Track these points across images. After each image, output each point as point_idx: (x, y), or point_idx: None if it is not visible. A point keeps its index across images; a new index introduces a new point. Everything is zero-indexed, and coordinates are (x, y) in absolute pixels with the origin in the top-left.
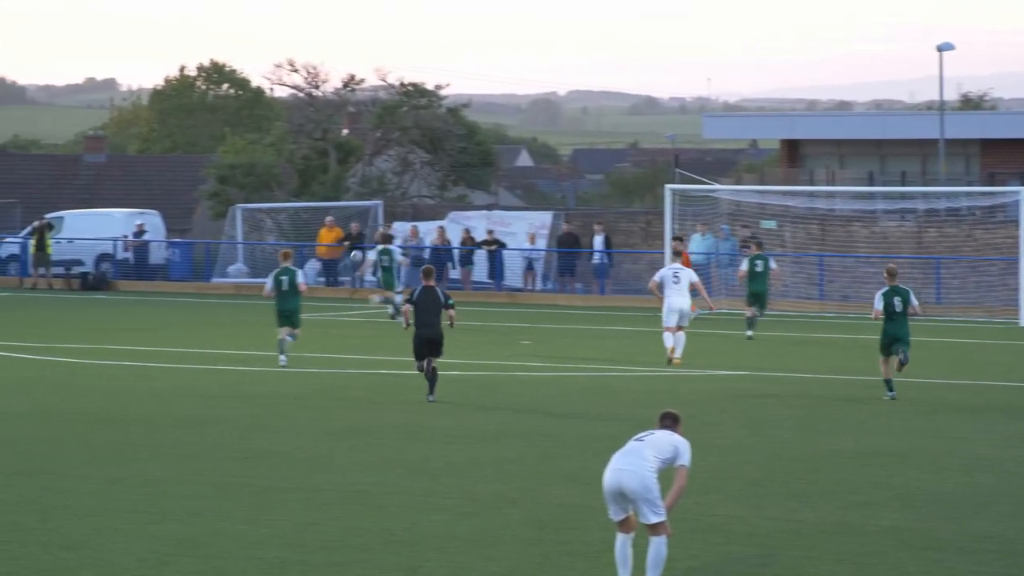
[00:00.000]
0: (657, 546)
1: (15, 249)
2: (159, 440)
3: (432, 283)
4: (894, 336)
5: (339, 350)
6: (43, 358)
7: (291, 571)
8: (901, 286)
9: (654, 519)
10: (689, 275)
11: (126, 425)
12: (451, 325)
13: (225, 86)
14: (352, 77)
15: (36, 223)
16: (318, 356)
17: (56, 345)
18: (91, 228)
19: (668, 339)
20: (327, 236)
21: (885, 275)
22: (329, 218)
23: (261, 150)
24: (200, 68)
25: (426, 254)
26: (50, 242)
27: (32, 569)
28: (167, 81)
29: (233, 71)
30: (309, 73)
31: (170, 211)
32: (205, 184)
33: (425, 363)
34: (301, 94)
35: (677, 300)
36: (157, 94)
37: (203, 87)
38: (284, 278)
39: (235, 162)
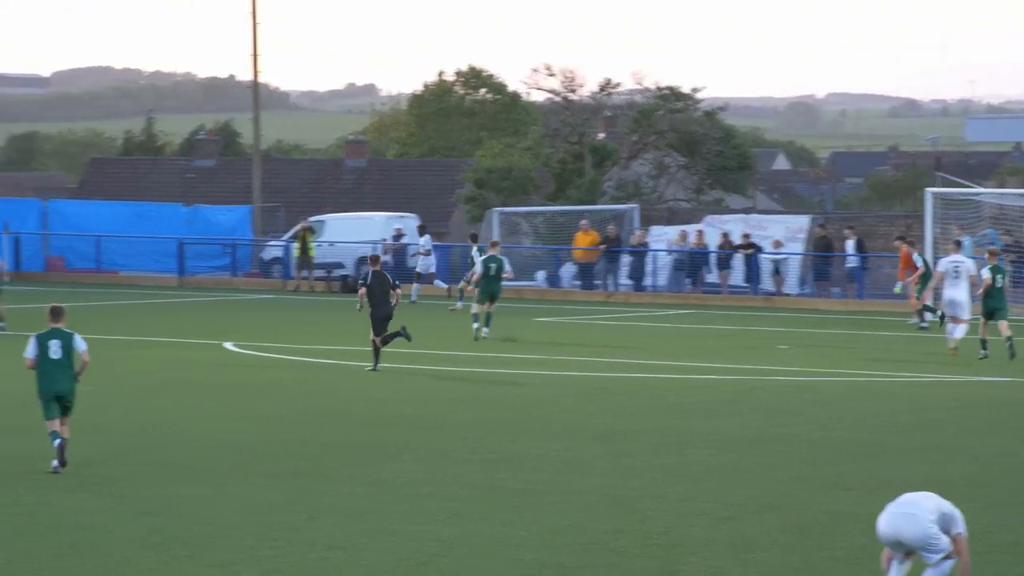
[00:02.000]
0: (939, 568)
1: (278, 252)
2: (419, 442)
3: (379, 267)
4: None
5: (594, 354)
6: (305, 360)
7: (549, 573)
8: None
9: (936, 558)
10: (968, 268)
11: (386, 427)
12: (395, 304)
13: (483, 91)
14: (608, 81)
15: (299, 226)
16: (574, 359)
17: (318, 347)
18: (352, 231)
19: (955, 331)
20: (583, 240)
21: None
22: (584, 221)
23: (518, 154)
24: (458, 73)
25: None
26: (312, 245)
27: (298, 567)
28: (426, 86)
29: (491, 76)
30: (566, 77)
31: (427, 214)
32: (462, 188)
33: (380, 339)
34: (558, 98)
35: (954, 293)
36: (416, 99)
37: (461, 92)
38: (493, 265)
39: (492, 166)
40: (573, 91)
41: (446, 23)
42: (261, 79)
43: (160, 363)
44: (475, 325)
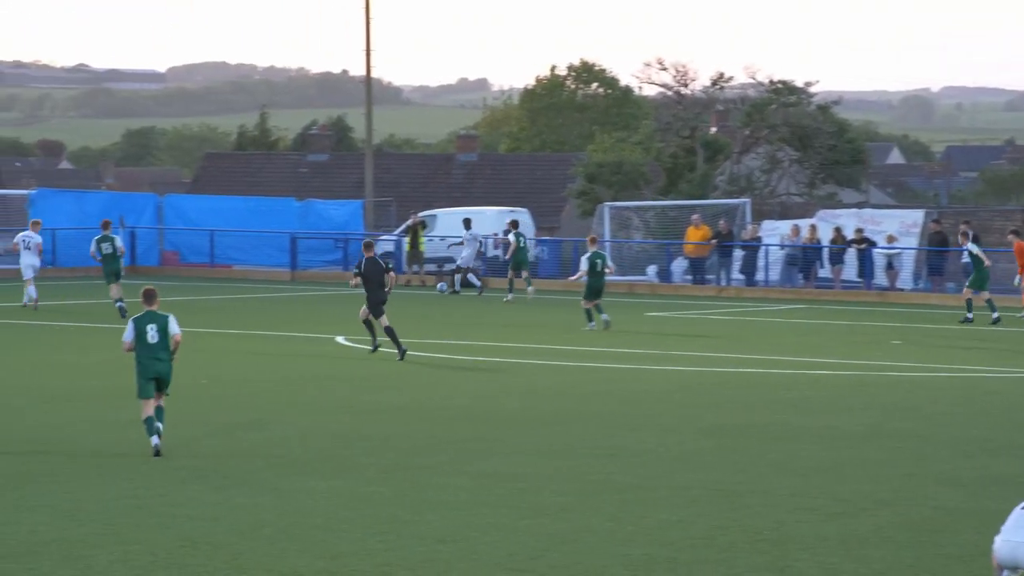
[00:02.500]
0: None
1: (390, 247)
2: (526, 436)
3: (372, 254)
4: None
5: (705, 348)
6: (417, 354)
7: (658, 568)
8: None
9: None
10: None
11: (495, 421)
12: (389, 290)
13: (594, 85)
14: (721, 75)
15: (410, 221)
16: (684, 354)
17: (429, 341)
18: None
19: None
20: (694, 234)
21: None
22: (696, 216)
23: (629, 148)
24: (570, 68)
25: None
26: (423, 240)
27: (408, 560)
28: (537, 81)
29: (602, 70)
30: (678, 71)
31: (539, 209)
32: (573, 182)
33: (380, 322)
34: (669, 92)
35: None
36: (528, 94)
37: (572, 86)
38: (598, 260)
39: (603, 160)
40: (685, 85)
41: (559, 17)
42: (374, 74)
43: (272, 357)
44: (589, 324)
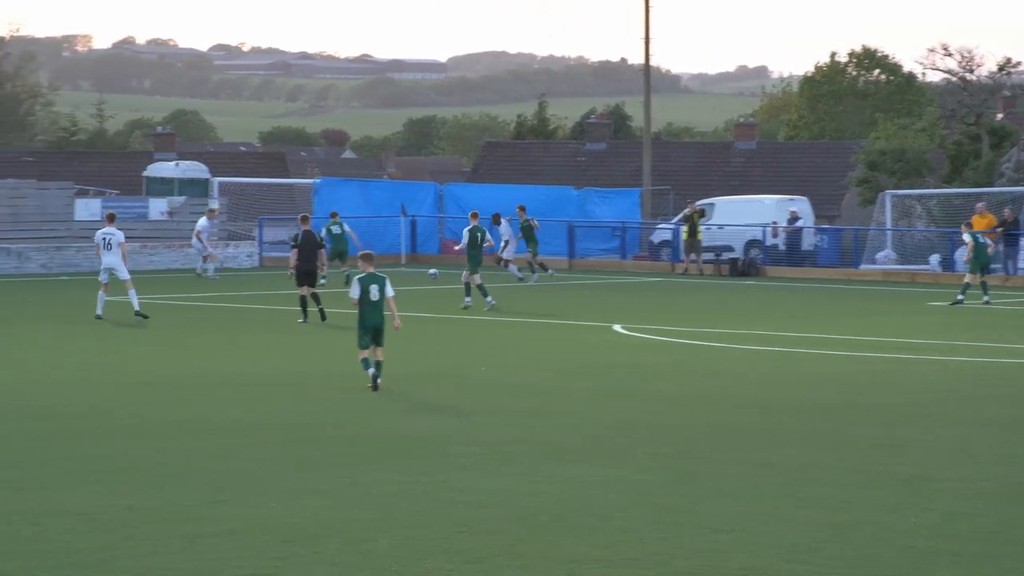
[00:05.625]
0: None
1: (667, 235)
2: (805, 426)
3: (308, 227)
4: None
5: (989, 339)
6: (694, 343)
7: (941, 561)
8: None
9: None
10: None
11: (773, 411)
12: (322, 264)
13: (876, 72)
14: (1008, 60)
15: (688, 209)
16: (967, 344)
17: (706, 330)
18: (741, 214)
19: None
20: (979, 223)
21: None
22: (980, 204)
23: (912, 136)
24: (851, 54)
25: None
26: (701, 228)
27: (685, 549)
28: (817, 68)
29: (885, 56)
30: (963, 57)
31: (818, 197)
32: (854, 171)
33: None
34: (954, 79)
35: None
36: (807, 81)
37: (854, 73)
38: (479, 234)
39: (885, 148)
40: (971, 71)
41: (840, 3)
42: (652, 62)
43: (549, 345)
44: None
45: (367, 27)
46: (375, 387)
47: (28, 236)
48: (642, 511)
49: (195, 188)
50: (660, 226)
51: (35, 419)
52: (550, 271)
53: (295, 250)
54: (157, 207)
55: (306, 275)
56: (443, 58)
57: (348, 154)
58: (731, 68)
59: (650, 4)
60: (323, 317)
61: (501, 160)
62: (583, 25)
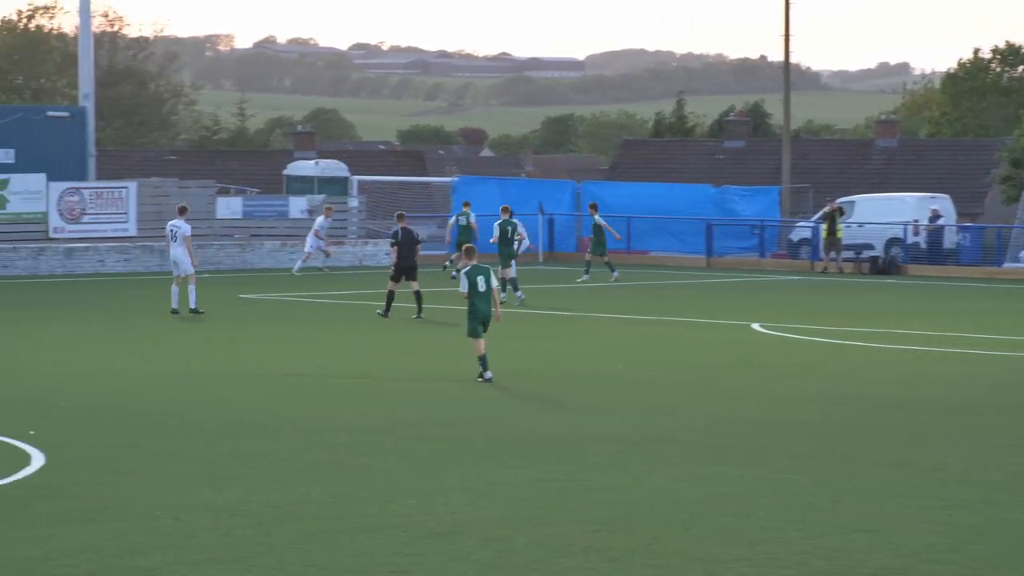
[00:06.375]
0: None
1: (807, 233)
2: (947, 425)
3: (406, 224)
4: None
5: None
6: (833, 342)
7: None
8: None
9: None
10: None
11: (915, 410)
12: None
13: (1020, 68)
14: None
15: (827, 208)
16: None
17: (847, 329)
18: (882, 212)
19: None
20: None
21: None
22: None
23: None
24: (995, 50)
25: None
26: (841, 227)
27: (825, 549)
28: (960, 64)
29: None
30: None
31: (960, 195)
32: (997, 168)
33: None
34: None
35: None
36: (949, 78)
37: (997, 69)
38: (508, 228)
39: None
40: None
41: None
42: (792, 59)
43: (688, 343)
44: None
45: (506, 25)
46: (487, 380)
47: None
48: (782, 510)
49: (334, 186)
50: (799, 224)
51: (176, 415)
52: (615, 273)
53: (394, 247)
54: (297, 205)
55: (405, 271)
56: (581, 56)
57: (486, 152)
58: (872, 65)
59: (790, 1)
60: (418, 314)
61: (639, 158)
62: (723, 22)
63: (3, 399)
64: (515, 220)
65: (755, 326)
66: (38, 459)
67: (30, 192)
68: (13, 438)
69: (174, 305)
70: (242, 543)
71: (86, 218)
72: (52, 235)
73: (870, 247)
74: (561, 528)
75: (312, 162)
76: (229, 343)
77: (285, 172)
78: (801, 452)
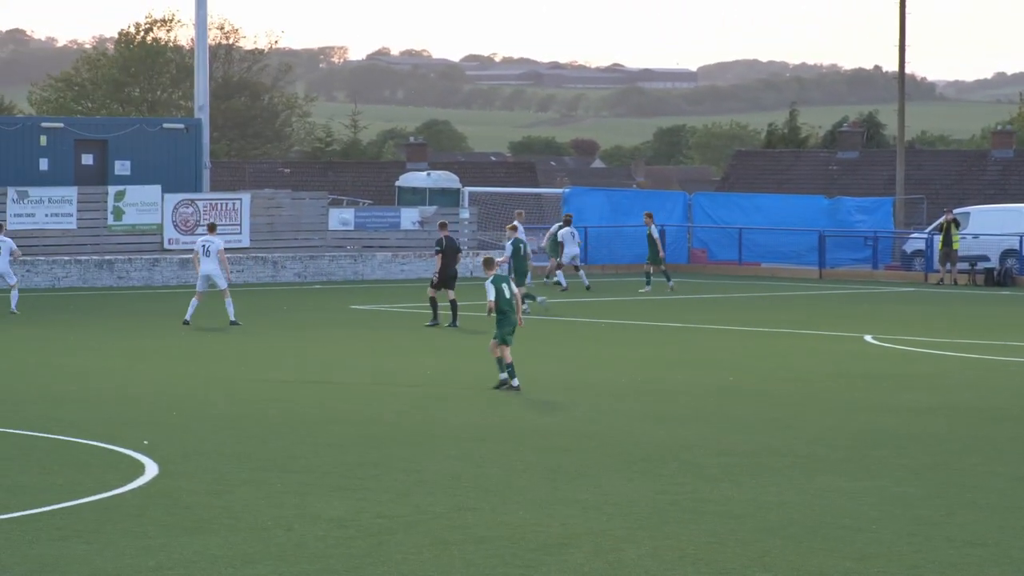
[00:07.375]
0: None
1: (920, 244)
2: None
3: (447, 232)
4: None
5: None
6: (948, 354)
7: None
8: None
9: None
10: None
11: None
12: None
13: None
14: None
15: (942, 218)
16: None
17: (960, 341)
18: (997, 223)
19: None
20: None
21: None
22: None
23: None
24: None
25: None
26: (956, 237)
27: (938, 563)
28: None
29: None
30: None
31: None
32: None
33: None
34: None
35: None
36: None
37: None
38: (521, 245)
39: None
40: None
41: None
42: (907, 70)
43: (799, 354)
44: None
45: (618, 37)
46: (515, 387)
47: (283, 245)
48: (895, 523)
49: (446, 198)
50: (914, 236)
51: (288, 425)
52: (671, 283)
53: (439, 255)
54: (409, 217)
55: (448, 279)
56: (694, 67)
57: (597, 163)
58: (988, 75)
59: (906, 11)
60: (453, 322)
61: (751, 169)
62: (837, 33)
63: (117, 409)
64: (523, 238)
65: (867, 338)
66: (151, 469)
67: (146, 203)
68: (128, 448)
69: (187, 317)
70: (353, 554)
71: (200, 229)
72: (167, 246)
73: (985, 259)
74: (672, 540)
75: (424, 174)
76: (339, 352)
77: (397, 184)
78: (914, 465)
